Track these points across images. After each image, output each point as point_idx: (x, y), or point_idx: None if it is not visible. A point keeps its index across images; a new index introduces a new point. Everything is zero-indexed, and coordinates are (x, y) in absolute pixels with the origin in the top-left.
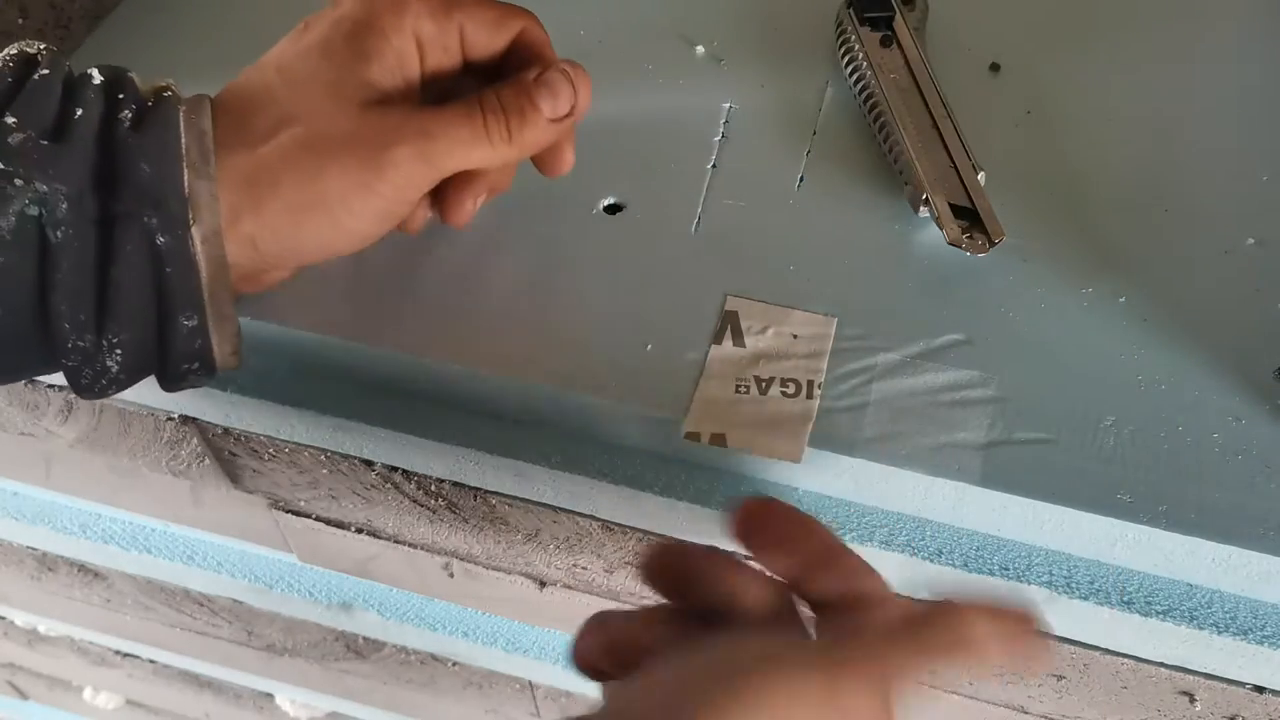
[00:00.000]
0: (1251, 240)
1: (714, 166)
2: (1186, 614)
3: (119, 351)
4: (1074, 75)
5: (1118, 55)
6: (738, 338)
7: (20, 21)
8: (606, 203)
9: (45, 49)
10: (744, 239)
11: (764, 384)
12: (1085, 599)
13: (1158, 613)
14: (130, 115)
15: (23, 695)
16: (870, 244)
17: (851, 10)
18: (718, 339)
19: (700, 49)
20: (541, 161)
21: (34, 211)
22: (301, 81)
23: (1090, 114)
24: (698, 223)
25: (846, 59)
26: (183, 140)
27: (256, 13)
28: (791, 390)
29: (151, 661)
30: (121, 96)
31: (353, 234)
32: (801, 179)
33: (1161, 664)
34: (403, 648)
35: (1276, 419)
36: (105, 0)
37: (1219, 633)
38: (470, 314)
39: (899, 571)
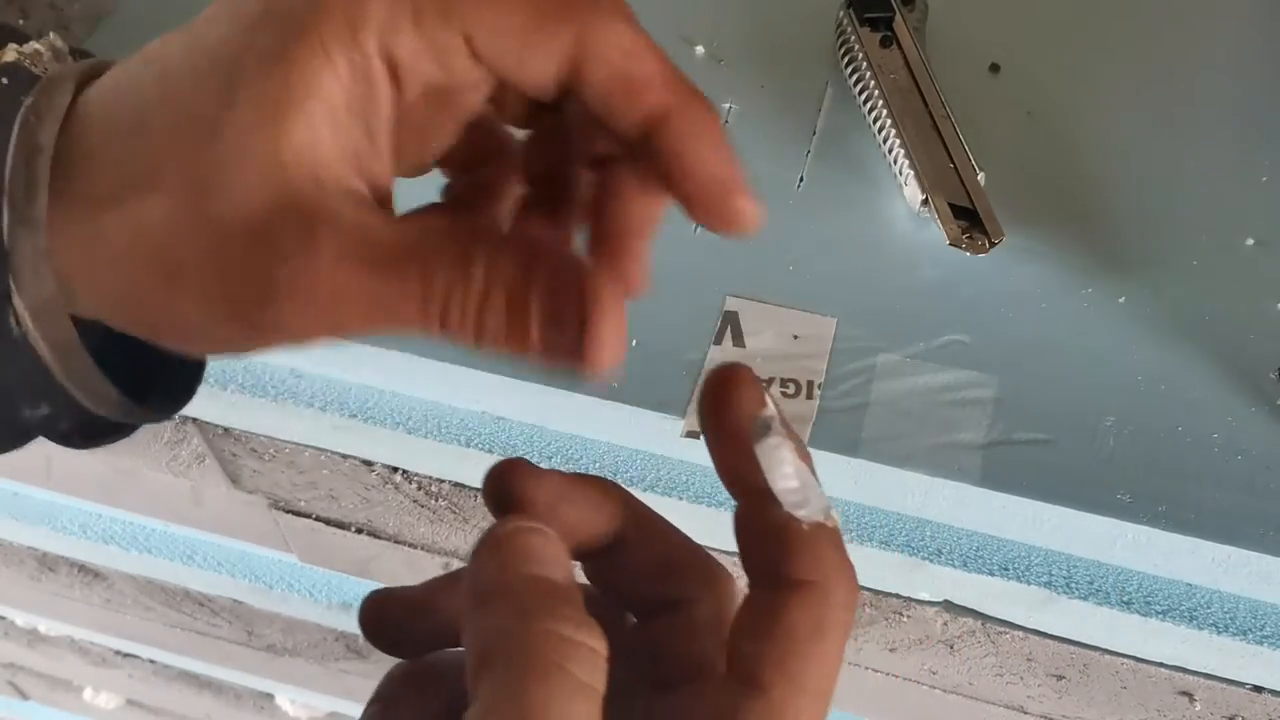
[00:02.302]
0: (1251, 240)
1: None
2: (1186, 614)
3: None
4: (1074, 75)
5: (1117, 56)
6: (738, 338)
7: (20, 22)
8: None
9: None
10: (744, 239)
11: (764, 384)
12: (1085, 599)
13: (1157, 613)
14: None
15: (23, 695)
16: (870, 244)
17: (851, 10)
18: (718, 339)
19: (700, 49)
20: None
21: None
22: (180, 110)
23: (1090, 114)
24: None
25: (846, 59)
26: (9, 157)
27: None
28: (791, 390)
29: (151, 661)
30: None
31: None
32: (801, 179)
33: (1161, 664)
34: None
35: (1276, 419)
36: (105, 2)
37: (1218, 633)
38: None
39: (899, 571)
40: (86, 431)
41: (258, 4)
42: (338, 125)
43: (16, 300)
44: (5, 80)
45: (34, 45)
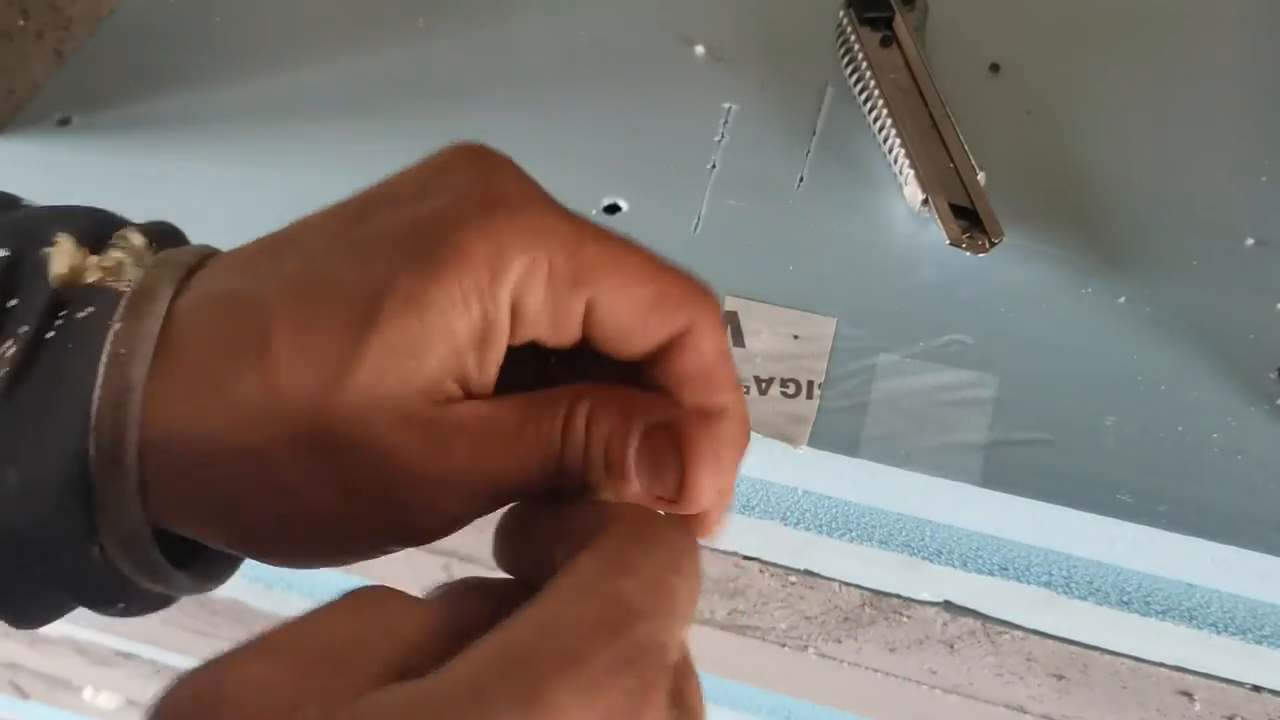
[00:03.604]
0: (1251, 240)
1: (714, 166)
2: (1185, 614)
3: None
4: (1074, 75)
5: (1117, 55)
6: (738, 338)
7: (21, 23)
8: (606, 203)
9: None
10: (744, 239)
11: (764, 384)
12: (1085, 599)
13: (1157, 612)
14: (26, 338)
15: (23, 695)
16: (870, 244)
17: (851, 10)
18: None
19: (700, 49)
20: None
21: None
22: (307, 342)
23: (1090, 114)
24: (698, 223)
25: (846, 59)
26: (95, 394)
27: (257, 14)
28: (791, 390)
29: (152, 661)
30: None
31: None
32: (801, 179)
33: (1161, 664)
34: None
35: (1276, 419)
36: (105, 1)
37: (1217, 632)
38: None
39: (899, 571)
40: (141, 607)
41: (390, 235)
42: (458, 356)
43: (102, 536)
44: (92, 308)
45: (114, 256)
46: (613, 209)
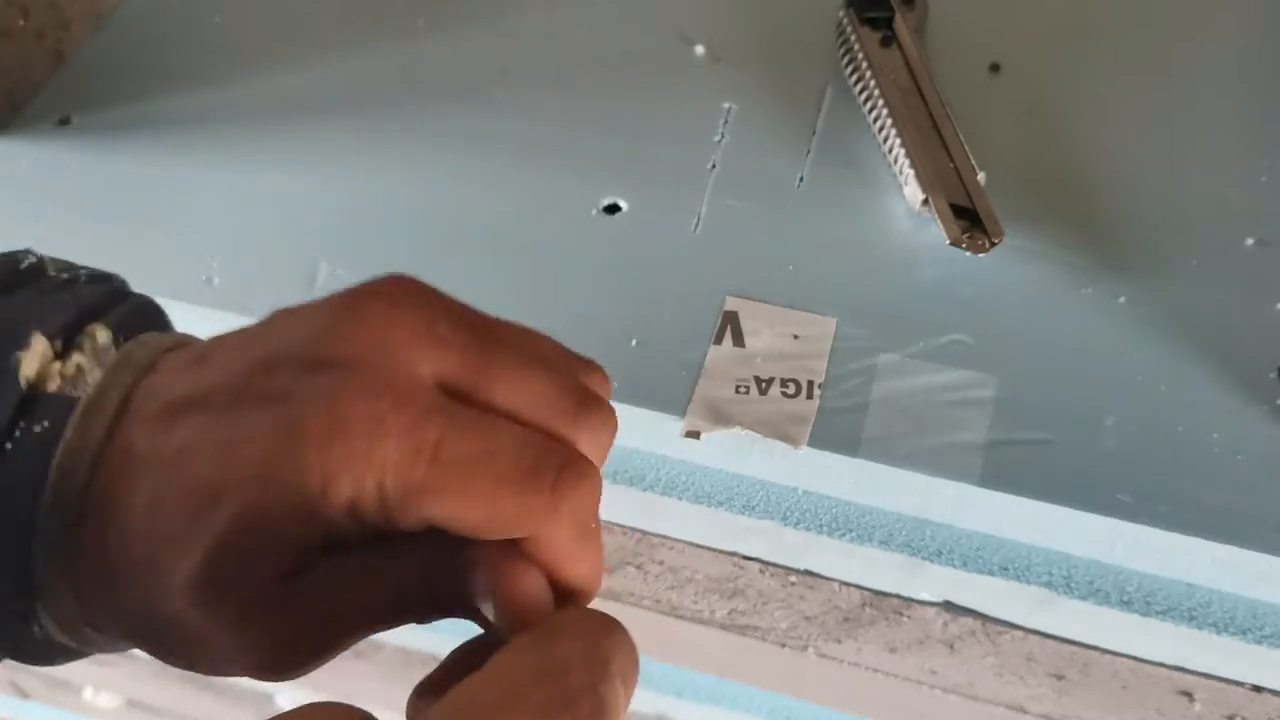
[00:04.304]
0: (1251, 240)
1: (714, 166)
2: (1186, 614)
3: None
4: (1074, 75)
5: (1117, 55)
6: (738, 338)
7: (21, 23)
8: (606, 203)
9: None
10: (744, 239)
11: (764, 384)
12: (1085, 599)
13: (1157, 612)
14: None
15: (23, 695)
16: (870, 244)
17: (851, 10)
18: (718, 339)
19: (700, 49)
20: None
21: None
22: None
23: (1090, 114)
24: (698, 223)
25: (846, 59)
26: (44, 498)
27: (257, 14)
28: (791, 390)
29: (151, 661)
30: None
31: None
32: (801, 179)
33: (1161, 664)
34: (402, 648)
35: (1276, 419)
36: (105, 1)
37: (1218, 632)
38: None
39: (899, 571)
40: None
41: (260, 429)
42: (302, 538)
43: (44, 617)
44: (47, 422)
45: (76, 361)
46: (613, 209)
